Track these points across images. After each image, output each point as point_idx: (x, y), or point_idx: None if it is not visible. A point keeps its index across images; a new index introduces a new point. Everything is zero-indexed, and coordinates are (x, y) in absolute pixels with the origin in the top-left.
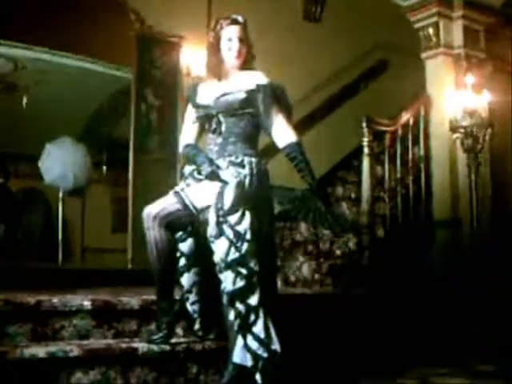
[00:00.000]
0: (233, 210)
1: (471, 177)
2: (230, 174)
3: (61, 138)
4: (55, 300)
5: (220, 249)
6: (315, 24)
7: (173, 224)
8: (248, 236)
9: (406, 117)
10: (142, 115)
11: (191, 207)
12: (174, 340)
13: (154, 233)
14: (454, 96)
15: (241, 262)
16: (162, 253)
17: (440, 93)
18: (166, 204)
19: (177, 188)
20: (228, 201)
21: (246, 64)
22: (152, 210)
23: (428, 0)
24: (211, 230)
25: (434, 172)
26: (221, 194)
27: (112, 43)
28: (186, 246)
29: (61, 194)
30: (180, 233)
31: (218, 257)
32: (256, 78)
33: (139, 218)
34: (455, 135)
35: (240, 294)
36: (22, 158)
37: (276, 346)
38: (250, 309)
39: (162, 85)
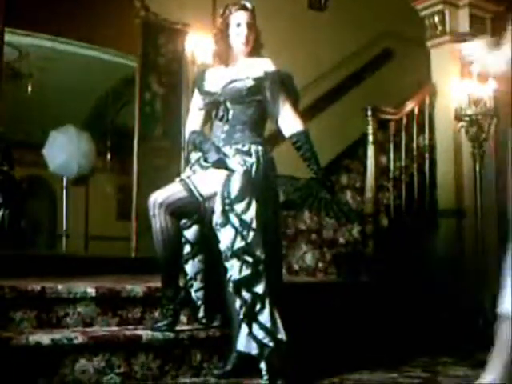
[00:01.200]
0: (239, 198)
1: (476, 166)
2: (236, 162)
3: (65, 125)
4: (60, 287)
5: (226, 237)
6: (320, 13)
7: (178, 211)
8: (254, 225)
9: (410, 105)
10: (147, 103)
11: (197, 195)
12: (177, 327)
13: (159, 220)
14: (459, 85)
15: (247, 250)
16: (168, 240)
17: (445, 81)
18: (171, 191)
19: (183, 175)
20: (234, 189)
21: (254, 50)
22: (158, 197)
23: None
24: (217, 218)
25: (438, 161)
26: (227, 182)
27: (116, 30)
28: (190, 233)
29: (65, 182)
30: (184, 220)
31: (223, 245)
32: (264, 65)
33: (143, 206)
34: (460, 124)
35: (246, 283)
36: (27, 145)
37: (282, 334)
38: (256, 297)
39: (167, 73)
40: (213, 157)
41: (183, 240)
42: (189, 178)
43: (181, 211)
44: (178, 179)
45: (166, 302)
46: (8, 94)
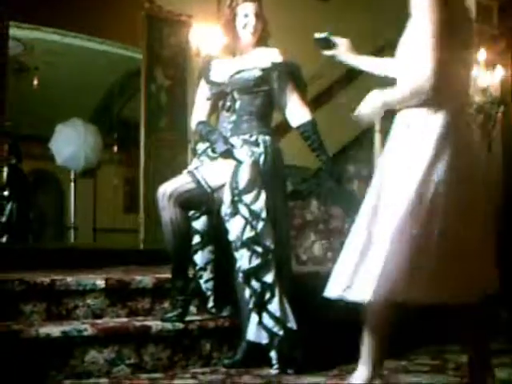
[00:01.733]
0: (248, 189)
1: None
2: (244, 153)
3: (72, 118)
4: (69, 279)
5: (235, 227)
6: (325, 3)
7: (187, 203)
8: (263, 215)
9: None
10: (152, 95)
11: (206, 186)
12: (187, 318)
13: (168, 212)
14: None
15: (256, 240)
16: (178, 231)
17: None
18: (180, 183)
19: (190, 167)
20: (243, 180)
21: (261, 41)
22: (167, 188)
23: None
24: (226, 208)
25: None
26: (235, 173)
27: (121, 23)
28: (199, 224)
29: (72, 175)
30: (193, 211)
31: (233, 235)
32: (271, 56)
33: (151, 198)
34: None
35: (255, 272)
36: (34, 139)
37: (292, 323)
38: (265, 287)
39: (172, 65)
40: (220, 147)
41: (192, 231)
42: (197, 169)
43: (189, 202)
44: (186, 170)
45: (176, 292)
46: (15, 88)
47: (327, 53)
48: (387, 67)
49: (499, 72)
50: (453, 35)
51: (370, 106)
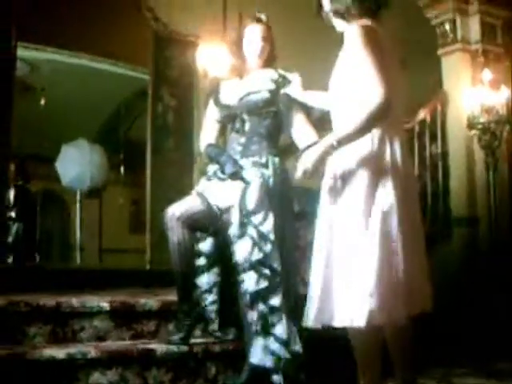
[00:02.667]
0: (256, 210)
1: (489, 174)
2: (253, 175)
3: (78, 139)
4: (74, 301)
5: (243, 249)
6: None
7: (195, 224)
8: (271, 236)
9: (422, 114)
10: (159, 116)
11: (214, 208)
12: (192, 341)
13: (176, 233)
14: (471, 92)
15: (264, 262)
16: (185, 254)
17: (457, 89)
18: (189, 205)
19: (199, 188)
20: (252, 201)
21: (268, 63)
22: (175, 210)
23: None
24: (234, 230)
25: (451, 169)
26: (244, 195)
27: (128, 43)
28: (205, 245)
29: (78, 196)
30: (200, 232)
31: (241, 257)
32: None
33: (157, 219)
34: (472, 132)
35: (262, 295)
36: (41, 159)
37: (298, 346)
38: (272, 310)
39: (178, 85)
40: (229, 169)
41: (198, 252)
42: (205, 190)
43: (198, 224)
44: (194, 192)
45: (182, 316)
46: (21, 108)
47: (282, 91)
48: (327, 101)
49: (504, 91)
50: (387, 65)
51: (311, 159)
